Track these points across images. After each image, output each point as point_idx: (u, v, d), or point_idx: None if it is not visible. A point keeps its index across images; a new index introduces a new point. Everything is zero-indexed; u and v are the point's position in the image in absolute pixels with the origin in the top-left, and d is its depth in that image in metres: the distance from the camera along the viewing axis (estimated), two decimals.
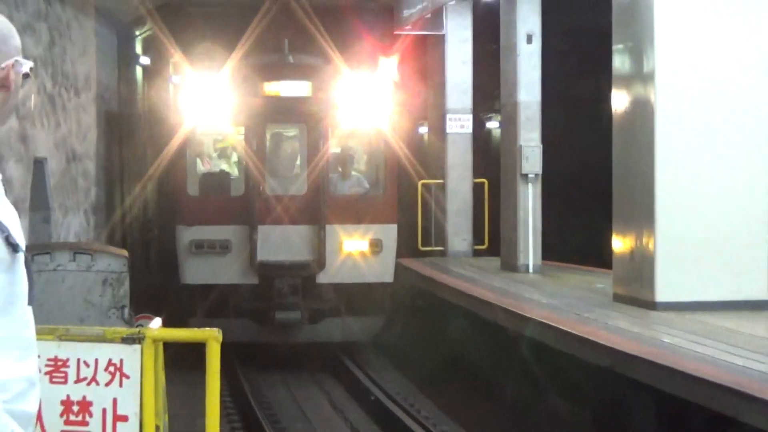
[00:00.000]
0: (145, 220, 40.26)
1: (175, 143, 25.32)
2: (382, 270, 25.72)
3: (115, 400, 8.42)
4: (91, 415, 8.42)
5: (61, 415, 8.33)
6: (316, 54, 36.75)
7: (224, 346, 20.63)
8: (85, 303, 10.80)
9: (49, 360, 7.99)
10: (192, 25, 38.63)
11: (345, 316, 25.69)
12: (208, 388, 8.75)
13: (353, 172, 27.18)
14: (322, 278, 25.14)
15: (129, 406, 8.43)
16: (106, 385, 8.42)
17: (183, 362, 13.78)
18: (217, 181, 27.64)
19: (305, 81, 25.99)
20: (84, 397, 8.41)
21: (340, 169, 27.47)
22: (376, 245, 25.32)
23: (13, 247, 4.83)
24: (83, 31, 24.97)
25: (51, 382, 8.07)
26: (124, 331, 9.00)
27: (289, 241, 25.40)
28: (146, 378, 8.51)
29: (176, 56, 33.34)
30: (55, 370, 8.19)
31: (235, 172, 28.60)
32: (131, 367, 8.46)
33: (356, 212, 26.06)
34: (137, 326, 9.66)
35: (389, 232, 25.91)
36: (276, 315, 24.14)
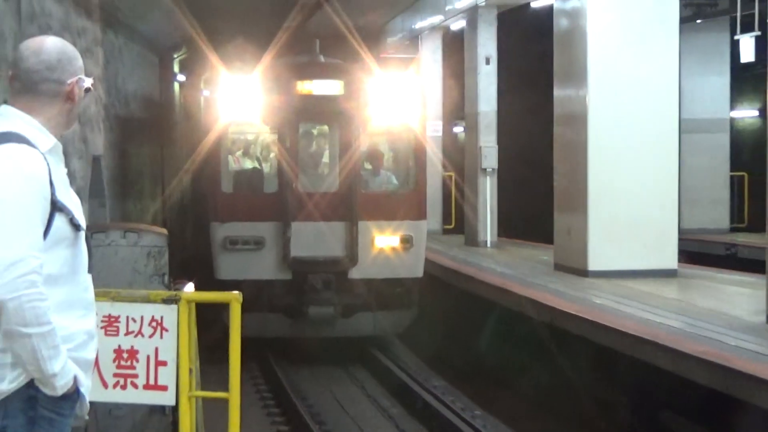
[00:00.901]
0: (181, 206, 35.33)
1: (209, 143, 21.81)
2: (412, 265, 21.69)
3: (156, 349, 8.45)
4: (137, 361, 8.45)
5: (114, 361, 8.36)
6: (346, 54, 32.09)
7: (259, 341, 20.24)
8: (132, 271, 11.06)
9: (104, 317, 8.02)
10: (222, 45, 33.97)
11: (376, 310, 21.62)
12: (231, 340, 8.75)
13: (382, 169, 22.93)
14: (354, 273, 21.18)
15: (168, 354, 8.46)
16: (150, 337, 8.46)
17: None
18: (250, 178, 23.06)
19: (337, 80, 21.91)
20: (132, 347, 8.44)
21: (370, 166, 23.12)
22: (407, 241, 21.42)
23: (76, 227, 4.89)
24: (131, 54, 24.85)
25: (105, 335, 8.10)
26: (164, 293, 9.04)
27: (322, 237, 21.23)
28: (181, 331, 8.54)
29: (206, 74, 31.42)
30: (109, 325, 8.23)
31: (268, 169, 23.87)
32: (169, 322, 8.50)
33: (387, 208, 21.75)
34: (174, 290, 9.65)
35: (420, 228, 21.81)
36: (309, 310, 20.58)
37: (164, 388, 8.49)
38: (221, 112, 20.20)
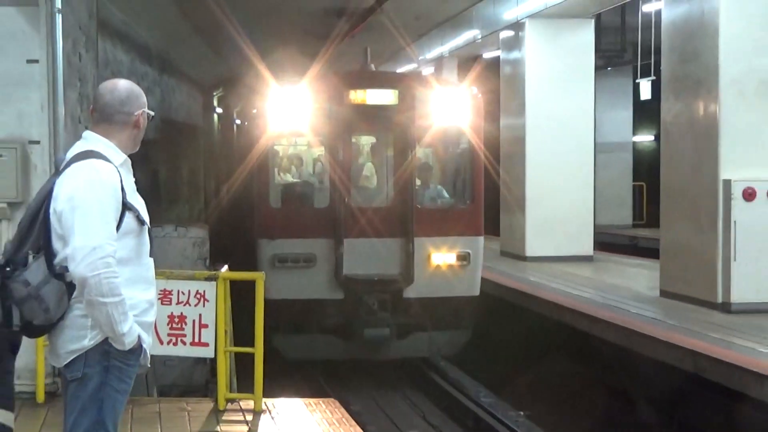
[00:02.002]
0: (221, 210, 28.99)
1: (256, 156, 16.44)
2: (469, 283, 16.66)
3: (200, 315, 8.49)
4: (186, 324, 8.49)
5: (168, 324, 8.41)
6: (398, 64, 27.18)
7: (309, 363, 15.66)
8: (182, 256, 11.11)
9: (161, 291, 8.07)
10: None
11: (431, 330, 16.60)
12: (256, 309, 8.76)
13: (432, 183, 17.45)
14: (410, 293, 16.10)
15: (208, 319, 8.49)
16: (195, 306, 8.50)
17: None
18: (299, 192, 17.57)
19: (391, 89, 16.70)
20: (181, 313, 8.48)
21: (419, 180, 17.50)
22: (464, 258, 16.47)
23: (141, 222, 4.89)
24: (181, 92, 24.83)
25: (162, 304, 8.14)
26: (206, 273, 9.09)
27: (376, 254, 16.09)
28: (219, 302, 8.56)
29: (238, 107, 29.75)
30: (164, 297, 8.29)
31: (318, 183, 18.06)
32: (210, 295, 8.56)
33: (443, 224, 16.55)
34: (213, 270, 9.67)
35: (477, 245, 16.71)
36: (365, 332, 15.70)
37: (206, 344, 8.57)
38: (269, 125, 15.34)
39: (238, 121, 30.47)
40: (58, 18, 9.14)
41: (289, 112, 14.85)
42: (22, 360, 6.89)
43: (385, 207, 15.30)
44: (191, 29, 21.76)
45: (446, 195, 16.39)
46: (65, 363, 4.84)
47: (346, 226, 14.71)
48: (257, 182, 15.44)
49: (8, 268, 4.75)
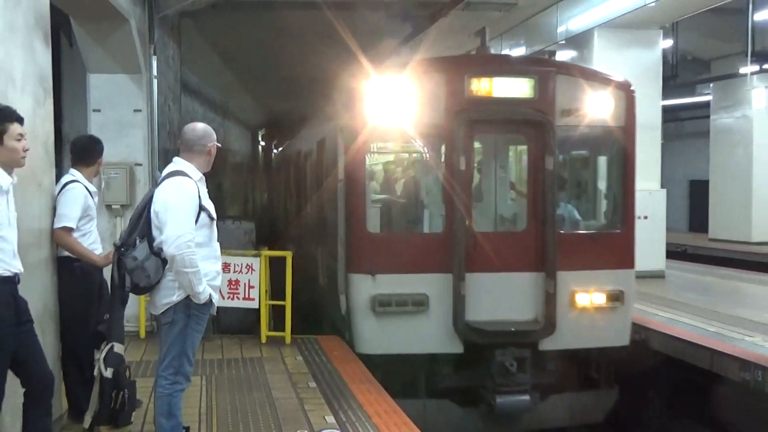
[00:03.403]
0: (266, 211, 27.11)
1: (344, 167, 8.24)
2: (619, 330, 8.30)
3: (249, 280, 8.46)
4: (240, 286, 8.45)
5: (227, 286, 8.37)
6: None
7: None
8: (237, 241, 10.48)
9: (223, 263, 7.96)
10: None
11: (572, 391, 8.42)
12: (287, 277, 8.71)
13: (562, 202, 8.55)
14: (548, 343, 8.01)
15: (255, 282, 8.45)
16: (245, 273, 8.47)
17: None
18: (406, 213, 8.69)
19: (526, 77, 8.01)
20: (237, 279, 8.45)
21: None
22: (616, 298, 8.21)
23: (211, 218, 4.88)
24: (236, 131, 24.74)
25: (224, 272, 8.06)
26: (253, 252, 9.02)
27: (507, 294, 7.97)
28: (262, 271, 8.52)
29: (274, 141, 28.27)
30: (225, 267, 8.23)
31: (428, 200, 8.59)
32: (255, 266, 8.45)
33: (590, 254, 8.18)
34: (258, 250, 9.63)
35: (629, 281, 8.32)
36: (496, 400, 7.71)
37: (253, 299, 8.49)
38: (362, 126, 8.03)
39: (275, 149, 29.00)
40: (154, 82, 9.14)
41: (389, 109, 7.83)
42: (129, 310, 6.87)
43: (520, 232, 8.17)
44: (244, 90, 21.69)
45: (577, 215, 8.81)
46: (160, 312, 4.84)
47: (468, 258, 7.78)
48: (349, 200, 8.03)
49: (123, 249, 4.78)
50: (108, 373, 5.22)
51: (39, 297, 5.05)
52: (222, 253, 5.09)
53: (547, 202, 7.93)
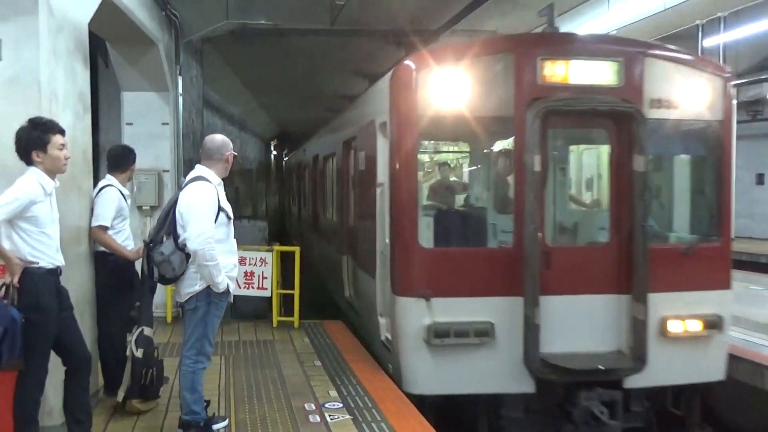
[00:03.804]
0: (277, 213, 26.00)
1: (382, 171, 5.82)
2: (714, 362, 5.41)
3: (262, 272, 8.42)
4: (254, 277, 8.41)
5: (244, 277, 8.33)
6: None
7: None
8: (252, 237, 10.02)
9: (240, 257, 7.97)
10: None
11: None
12: (295, 268, 8.70)
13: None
14: (637, 381, 5.17)
15: (267, 274, 8.42)
16: (259, 266, 8.43)
17: None
18: (465, 224, 5.70)
19: (611, 60, 5.18)
20: (252, 271, 8.41)
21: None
22: (713, 324, 5.33)
23: (228, 218, 4.87)
24: (251, 141, 24.62)
25: (240, 265, 8.02)
26: (265, 247, 9.01)
27: (586, 321, 5.18)
28: (273, 264, 8.49)
29: (285, 151, 27.85)
30: (242, 261, 8.17)
31: (490, 208, 5.95)
32: (268, 260, 8.38)
33: (682, 272, 5.30)
34: (270, 246, 9.59)
35: (726, 302, 5.42)
36: None
37: (266, 288, 8.44)
38: (411, 121, 5.35)
39: (286, 158, 28.38)
40: (180, 99, 9.12)
41: (445, 99, 5.65)
42: (158, 298, 6.86)
43: (601, 247, 5.94)
44: (258, 105, 21.66)
45: (654, 224, 6.13)
46: (184, 299, 4.83)
47: (542, 277, 5.57)
48: (396, 207, 5.84)
49: (151, 244, 4.76)
50: (139, 353, 5.24)
51: (78, 287, 5.05)
52: (238, 248, 5.08)
53: (635, 210, 5.67)
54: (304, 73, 14.84)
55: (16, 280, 4.13)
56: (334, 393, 5.96)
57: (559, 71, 5.70)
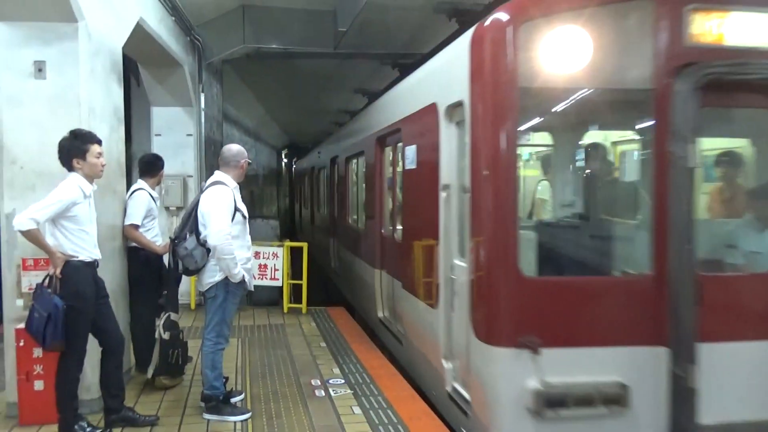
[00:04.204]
0: (287, 213, 24.60)
1: (450, 172, 3.41)
2: None
3: (275, 264, 8.37)
4: (267, 269, 8.37)
5: (258, 269, 8.29)
6: None
7: None
8: (265, 234, 9.51)
9: (255, 251, 7.95)
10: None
11: None
12: (304, 262, 8.69)
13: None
14: None
15: (279, 266, 8.39)
16: (272, 259, 8.38)
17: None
18: (581, 244, 2.80)
19: None
20: (265, 264, 8.37)
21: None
22: None
23: (244, 217, 4.85)
24: (265, 151, 24.53)
25: (255, 258, 8.02)
26: (277, 242, 8.97)
27: (759, 377, 2.35)
28: (284, 257, 8.46)
29: (294, 159, 27.70)
30: (256, 255, 8.16)
31: (627, 221, 2.91)
32: (280, 254, 8.29)
33: None
34: (281, 242, 9.55)
35: None
36: None
37: (278, 279, 8.38)
38: (506, 101, 2.60)
39: (295, 166, 26.78)
40: (202, 113, 9.09)
41: (555, 67, 3.01)
42: (183, 287, 6.87)
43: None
44: (270, 118, 21.62)
45: None
46: (205, 289, 4.80)
47: (699, 318, 2.93)
48: (483, 221, 3.23)
49: (176, 241, 4.73)
50: (166, 335, 5.23)
51: (113, 277, 5.05)
52: (253, 243, 5.07)
53: None
54: (311, 91, 14.92)
55: (58, 271, 4.15)
56: (337, 370, 5.96)
57: (712, 28, 3.41)
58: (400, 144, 5.47)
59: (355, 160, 8.26)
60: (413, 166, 4.93)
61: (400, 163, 5.45)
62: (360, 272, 7.21)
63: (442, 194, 4.20)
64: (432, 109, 4.42)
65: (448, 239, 4.11)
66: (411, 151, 5.03)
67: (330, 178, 10.43)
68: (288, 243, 9.00)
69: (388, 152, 6.19)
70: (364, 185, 7.31)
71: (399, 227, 5.48)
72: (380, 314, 6.08)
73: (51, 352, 4.27)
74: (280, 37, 9.34)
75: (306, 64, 10.94)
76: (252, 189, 18.85)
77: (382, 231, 6.23)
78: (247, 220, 4.91)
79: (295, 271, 9.17)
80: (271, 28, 9.28)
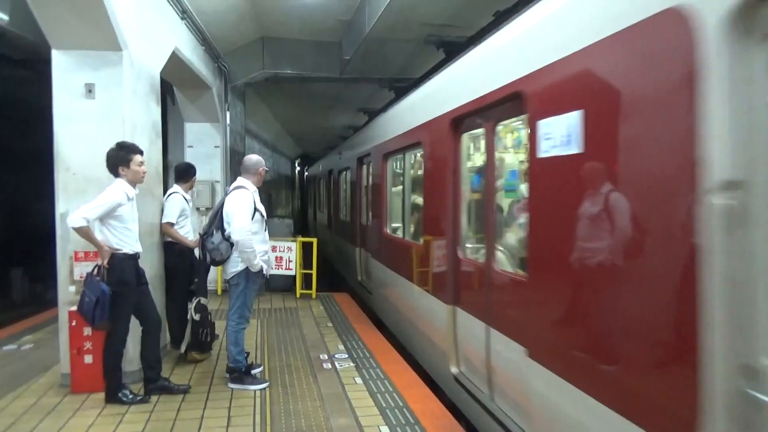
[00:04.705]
0: (300, 214, 23.37)
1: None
2: None
3: (289, 256, 8.34)
4: (282, 261, 8.34)
5: (276, 261, 8.27)
6: None
7: None
8: (281, 231, 9.96)
9: (272, 245, 7.91)
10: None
11: None
12: (314, 258, 8.66)
13: None
14: None
15: (293, 258, 8.36)
16: (287, 252, 8.35)
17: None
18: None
19: None
20: (281, 256, 8.34)
21: None
22: None
23: (262, 217, 4.83)
24: (281, 160, 24.51)
25: (272, 251, 7.98)
26: (291, 238, 8.93)
27: None
28: (297, 251, 8.42)
29: (306, 166, 27.16)
30: (273, 248, 8.12)
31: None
32: (293, 248, 7.91)
33: None
34: (295, 237, 9.51)
35: None
36: None
37: (291, 269, 8.31)
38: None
39: (305, 173, 27.47)
40: (228, 128, 9.09)
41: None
42: (211, 275, 6.86)
43: None
44: (285, 132, 21.58)
45: None
46: (229, 277, 4.78)
47: None
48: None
49: (204, 236, 4.73)
50: (197, 317, 5.24)
51: (151, 268, 5.05)
52: (271, 239, 5.06)
53: None
54: (320, 110, 15.01)
55: (105, 262, 4.18)
56: (341, 347, 5.95)
57: None
58: (518, 119, 2.91)
59: (399, 156, 5.50)
60: (557, 151, 2.42)
61: (506, 151, 3.06)
62: (410, 300, 4.64)
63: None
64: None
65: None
66: (555, 126, 2.45)
67: (356, 181, 7.98)
68: (300, 239, 9.00)
69: (478, 136, 3.53)
70: (419, 186, 4.72)
71: (501, 251, 3.13)
72: (454, 370, 3.77)
73: (98, 331, 4.31)
74: (294, 64, 9.40)
75: (316, 87, 11.00)
76: (270, 193, 18.81)
77: (458, 252, 3.66)
78: (264, 219, 4.91)
79: (306, 262, 9.17)
80: (287, 57, 9.34)
